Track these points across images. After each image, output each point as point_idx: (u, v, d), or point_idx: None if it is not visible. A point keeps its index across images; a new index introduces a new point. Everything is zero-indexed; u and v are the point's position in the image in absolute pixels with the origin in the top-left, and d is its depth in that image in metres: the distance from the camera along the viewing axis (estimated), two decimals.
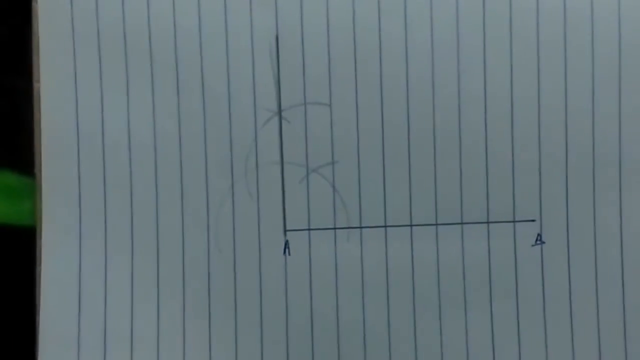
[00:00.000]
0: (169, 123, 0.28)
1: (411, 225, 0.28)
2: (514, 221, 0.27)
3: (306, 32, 0.27)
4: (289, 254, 0.28)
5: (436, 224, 0.28)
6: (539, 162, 0.27)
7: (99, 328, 0.28)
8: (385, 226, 0.28)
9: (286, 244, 0.28)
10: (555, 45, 0.27)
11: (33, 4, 0.28)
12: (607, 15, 0.27)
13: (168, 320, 0.28)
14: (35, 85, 0.28)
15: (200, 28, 0.28)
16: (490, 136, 0.27)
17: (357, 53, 0.27)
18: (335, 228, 0.28)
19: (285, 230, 0.28)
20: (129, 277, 0.28)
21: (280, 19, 0.27)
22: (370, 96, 0.27)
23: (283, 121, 0.28)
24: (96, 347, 0.28)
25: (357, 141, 0.27)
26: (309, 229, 0.28)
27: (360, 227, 0.28)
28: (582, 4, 0.27)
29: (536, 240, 0.27)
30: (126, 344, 0.28)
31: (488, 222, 0.27)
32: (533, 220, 0.27)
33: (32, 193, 0.28)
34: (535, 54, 0.27)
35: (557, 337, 0.28)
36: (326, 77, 0.27)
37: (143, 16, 0.28)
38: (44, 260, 0.28)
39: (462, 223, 0.27)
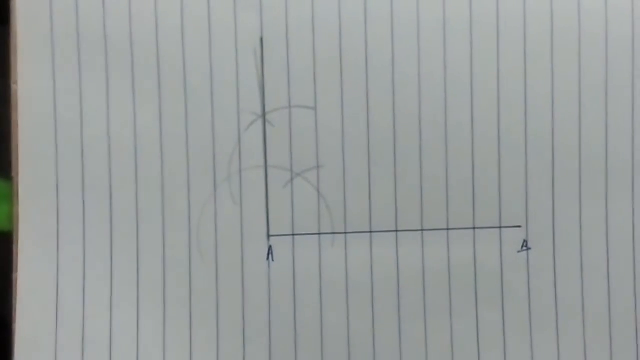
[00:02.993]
0: (150, 125, 0.27)
1: (397, 231, 0.27)
2: (500, 227, 0.27)
3: (291, 34, 0.27)
4: (273, 260, 0.27)
5: (422, 230, 0.27)
6: (525, 168, 0.27)
7: (77, 335, 0.27)
8: (371, 232, 0.27)
9: (270, 249, 0.27)
10: (542, 53, 0.27)
11: (12, 3, 0.27)
12: (594, 23, 0.27)
13: (148, 327, 0.27)
14: (13, 86, 0.27)
15: (183, 28, 0.27)
16: (476, 142, 0.27)
17: (343, 56, 0.27)
18: (319, 233, 0.27)
19: (268, 236, 0.27)
20: (108, 283, 0.27)
21: (265, 20, 0.27)
22: (356, 100, 0.27)
23: (267, 124, 0.27)
24: (74, 354, 0.27)
25: (342, 145, 0.27)
26: (293, 235, 0.27)
27: (345, 233, 0.27)
28: (569, 12, 0.27)
29: (522, 246, 0.27)
30: (105, 351, 0.27)
31: (474, 228, 0.27)
32: (519, 227, 0.27)
33: (9, 197, 0.27)
34: (522, 61, 0.27)
35: (542, 343, 0.28)
36: (311, 80, 0.27)
37: (124, 16, 0.27)
38: (20, 266, 0.27)
39: (448, 229, 0.27)
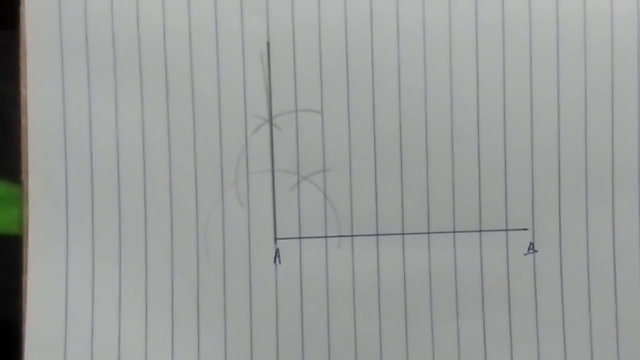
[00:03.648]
0: (158, 129, 0.27)
1: (403, 234, 0.27)
2: (506, 230, 0.27)
3: (298, 39, 0.27)
4: (280, 263, 0.27)
5: (428, 233, 0.27)
6: (531, 170, 0.27)
7: (86, 338, 0.27)
8: (377, 234, 0.27)
9: (277, 252, 0.27)
10: (548, 56, 0.27)
11: (20, 8, 0.27)
12: (600, 25, 0.27)
13: (156, 330, 0.27)
14: (22, 91, 0.27)
15: (190, 33, 0.27)
16: (482, 144, 0.27)
17: (349, 60, 0.27)
18: (326, 236, 0.27)
19: (275, 239, 0.27)
20: (117, 286, 0.27)
21: (271, 24, 0.27)
22: (362, 103, 0.27)
23: (274, 128, 0.27)
24: (83, 356, 0.27)
25: (348, 149, 0.27)
26: (300, 238, 0.27)
27: (352, 236, 0.27)
28: (575, 13, 0.27)
29: (529, 249, 0.27)
30: (114, 354, 0.27)
31: (480, 231, 0.27)
32: (525, 229, 0.27)
33: (19, 200, 0.27)
34: (527, 63, 0.27)
35: (549, 346, 0.27)
36: (318, 83, 0.27)
37: (132, 21, 0.27)
38: (30, 269, 0.27)
39: (454, 231, 0.27)
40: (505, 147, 0.27)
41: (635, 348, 0.28)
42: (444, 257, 0.27)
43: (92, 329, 0.27)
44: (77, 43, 0.27)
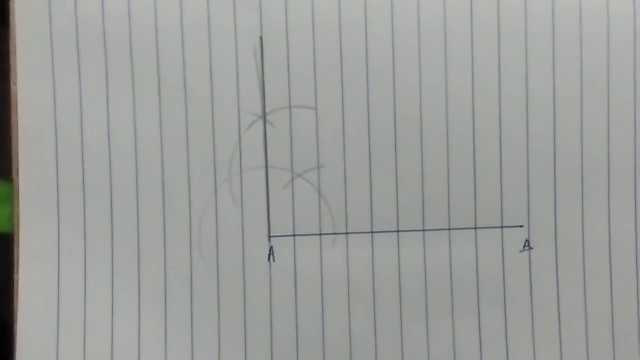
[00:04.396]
0: (150, 127, 0.27)
1: (398, 231, 0.27)
2: (501, 227, 0.27)
3: (291, 34, 0.27)
4: (274, 261, 0.27)
5: (423, 230, 0.27)
6: (527, 168, 0.27)
7: (78, 337, 0.27)
8: (372, 232, 0.27)
9: (271, 250, 0.27)
10: (544, 52, 0.27)
11: (10, 4, 0.27)
12: (596, 21, 0.27)
13: (149, 329, 0.27)
14: (12, 87, 0.27)
15: (183, 28, 0.27)
16: (478, 141, 0.27)
17: (343, 56, 0.27)
18: (321, 234, 0.27)
19: (269, 237, 0.27)
20: (110, 285, 0.27)
21: (264, 20, 0.27)
22: (357, 100, 0.27)
23: (268, 125, 0.27)
24: (76, 355, 0.27)
25: (343, 146, 0.27)
26: (294, 235, 0.27)
27: (347, 233, 0.27)
28: (570, 8, 0.27)
29: (524, 246, 0.27)
30: (106, 353, 0.27)
31: (476, 228, 0.27)
32: (521, 226, 0.27)
33: (10, 198, 0.27)
34: (523, 59, 0.27)
35: (545, 343, 0.27)
36: (312, 80, 0.27)
37: (124, 17, 0.27)
38: (22, 267, 0.27)
39: (449, 229, 0.27)
40: (500, 144, 0.27)
41: (631, 343, 0.28)
42: (439, 254, 0.27)
43: (85, 327, 0.27)
44: (68, 39, 0.27)
